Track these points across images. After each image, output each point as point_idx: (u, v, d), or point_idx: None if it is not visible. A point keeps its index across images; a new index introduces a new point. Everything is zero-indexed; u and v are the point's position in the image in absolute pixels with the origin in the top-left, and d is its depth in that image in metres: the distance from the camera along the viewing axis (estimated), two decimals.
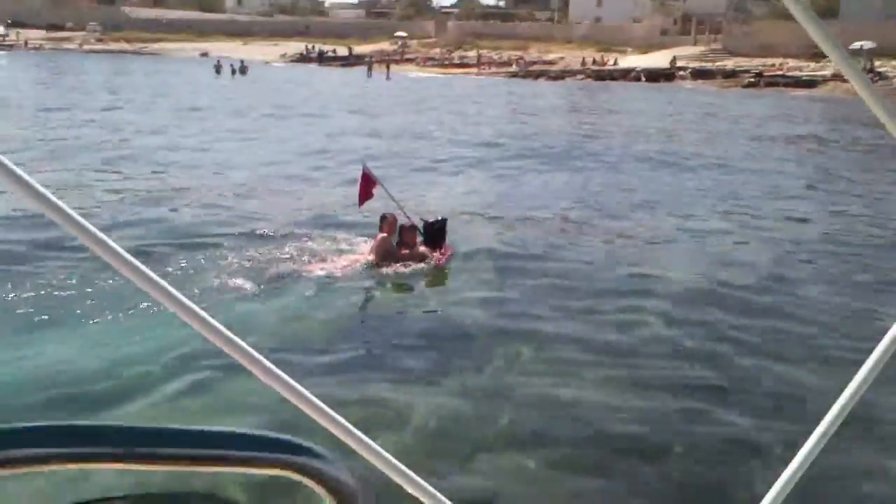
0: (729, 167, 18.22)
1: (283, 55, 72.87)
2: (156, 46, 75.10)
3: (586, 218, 12.27)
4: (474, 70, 62.98)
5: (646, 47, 70.83)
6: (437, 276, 8.69)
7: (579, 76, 57.53)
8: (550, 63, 64.62)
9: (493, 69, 63.19)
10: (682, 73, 55.22)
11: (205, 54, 68.61)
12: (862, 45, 52.77)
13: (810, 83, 49.54)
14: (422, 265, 8.69)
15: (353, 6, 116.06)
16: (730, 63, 56.63)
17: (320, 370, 6.09)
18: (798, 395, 6.00)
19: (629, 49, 71.10)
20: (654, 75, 54.88)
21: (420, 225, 9.28)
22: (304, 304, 7.59)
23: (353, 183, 10.88)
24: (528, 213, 12.30)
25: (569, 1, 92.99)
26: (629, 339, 7.11)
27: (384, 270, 8.50)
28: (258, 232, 10.03)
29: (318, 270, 8.40)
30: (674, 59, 57.69)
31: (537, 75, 58.01)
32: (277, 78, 48.43)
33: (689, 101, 39.91)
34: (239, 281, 8.01)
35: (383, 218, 8.99)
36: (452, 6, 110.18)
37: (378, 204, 9.76)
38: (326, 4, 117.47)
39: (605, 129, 26.18)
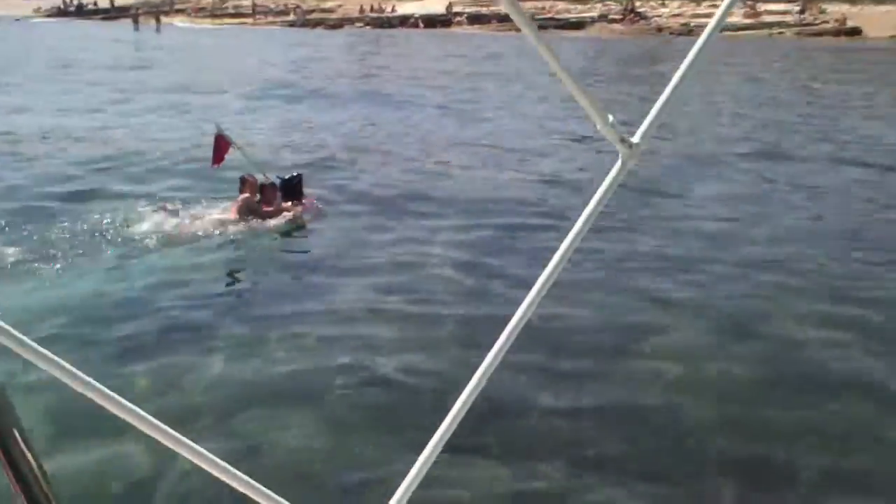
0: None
1: (38, 9, 66.33)
2: None
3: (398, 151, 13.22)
4: (250, 20, 60.60)
5: None
6: (298, 225, 9.17)
7: (358, 24, 56.83)
8: (329, 11, 63.43)
9: (270, 19, 61.11)
10: (458, 18, 55.99)
11: None
12: None
13: (579, 24, 51.74)
14: (283, 218, 9.09)
15: None
16: (502, 7, 58.06)
17: (191, 319, 6.40)
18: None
19: None
20: (431, 21, 55.28)
21: (278, 182, 9.55)
22: (174, 261, 7.82)
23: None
24: (350, 155, 12.90)
25: None
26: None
27: (248, 225, 8.85)
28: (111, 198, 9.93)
29: (186, 230, 8.64)
30: (450, 5, 58.37)
31: (315, 24, 56.69)
32: (32, 36, 43.97)
33: (467, 45, 40.58)
34: (112, 245, 8.13)
35: (243, 180, 9.21)
36: None
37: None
38: None
39: (394, 73, 26.06)
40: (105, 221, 8.70)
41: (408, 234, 8.84)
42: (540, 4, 58.13)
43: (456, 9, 57.95)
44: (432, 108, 18.64)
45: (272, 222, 8.99)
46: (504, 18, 53.89)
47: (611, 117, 0.70)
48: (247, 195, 9.04)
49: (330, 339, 6.04)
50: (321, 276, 7.56)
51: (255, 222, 8.91)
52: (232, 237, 8.59)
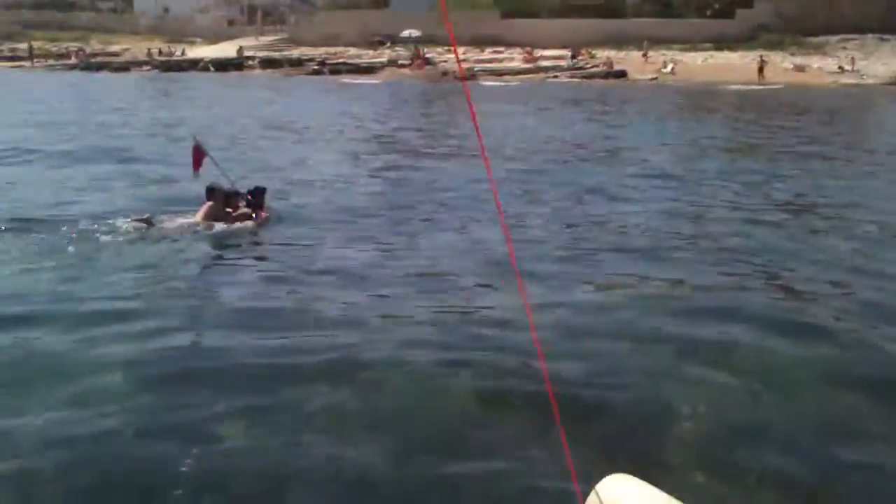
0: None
1: None
2: None
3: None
4: (27, 63, 57.54)
5: (214, 38, 70.42)
6: (258, 231, 10.08)
7: (146, 67, 55.27)
8: (114, 55, 61.41)
9: (50, 62, 58.30)
10: (250, 62, 55.80)
11: None
12: (410, 33, 57.86)
13: (370, 69, 52.98)
14: (246, 224, 10.04)
15: None
16: (296, 52, 58.54)
17: (153, 315, 6.91)
18: None
19: (198, 40, 70.17)
20: (223, 65, 54.73)
21: (244, 192, 10.53)
22: (141, 258, 8.65)
23: None
24: None
25: None
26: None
27: (212, 230, 9.77)
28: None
29: (155, 232, 9.58)
30: (241, 49, 58.08)
31: (99, 67, 54.61)
32: None
33: (259, 86, 40.62)
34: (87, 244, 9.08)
35: (210, 188, 10.12)
36: None
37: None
38: None
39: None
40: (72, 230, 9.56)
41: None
42: (332, 50, 59.14)
43: (247, 53, 57.75)
44: None
45: (236, 226, 9.92)
46: (295, 63, 54.45)
47: None
48: (211, 203, 9.97)
49: (270, 326, 6.70)
50: (274, 275, 8.35)
51: (220, 226, 9.84)
52: (197, 239, 9.54)
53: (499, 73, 50.61)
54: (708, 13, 61.76)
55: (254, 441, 4.86)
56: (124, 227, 9.67)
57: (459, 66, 49.37)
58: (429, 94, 38.14)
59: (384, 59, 55.72)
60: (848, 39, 57.06)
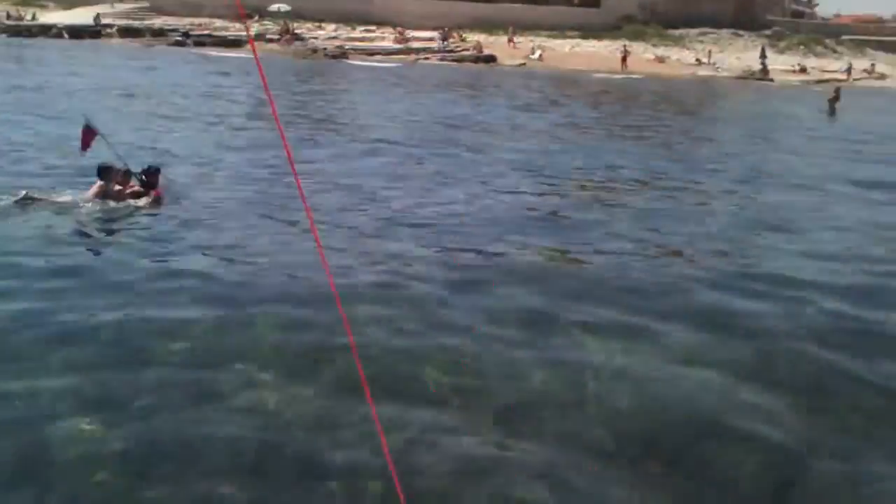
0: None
1: None
2: None
3: None
4: None
5: (69, 3, 66.54)
6: (148, 210, 10.04)
7: None
8: None
9: None
10: (108, 30, 53.04)
11: None
12: (279, 7, 56.55)
13: (237, 42, 51.37)
14: (135, 202, 10.06)
15: None
16: (158, 21, 56.07)
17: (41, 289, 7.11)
18: None
19: (52, 4, 66.10)
20: (77, 32, 51.74)
21: (137, 171, 10.44)
22: (31, 233, 8.78)
23: None
24: None
25: None
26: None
27: (102, 207, 9.79)
28: None
29: (44, 209, 9.54)
30: (98, 16, 55.06)
31: None
32: None
33: (118, 55, 38.64)
34: None
35: (102, 167, 10.08)
36: None
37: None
38: None
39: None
40: None
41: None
42: (198, 21, 57.01)
43: (105, 20, 54.88)
44: None
45: (125, 204, 9.97)
46: (157, 32, 52.22)
47: None
48: (102, 183, 9.97)
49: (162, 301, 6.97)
50: (162, 249, 8.61)
51: (111, 204, 9.87)
52: (87, 215, 9.60)
53: (370, 53, 50.16)
54: (575, 1, 63.27)
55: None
56: (2, 204, 9.57)
57: None
58: (300, 71, 37.33)
59: (252, 33, 54.13)
60: (706, 33, 59.83)
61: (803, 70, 52.85)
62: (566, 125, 22.46)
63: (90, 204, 9.85)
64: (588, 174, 14.53)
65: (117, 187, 10.13)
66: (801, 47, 59.22)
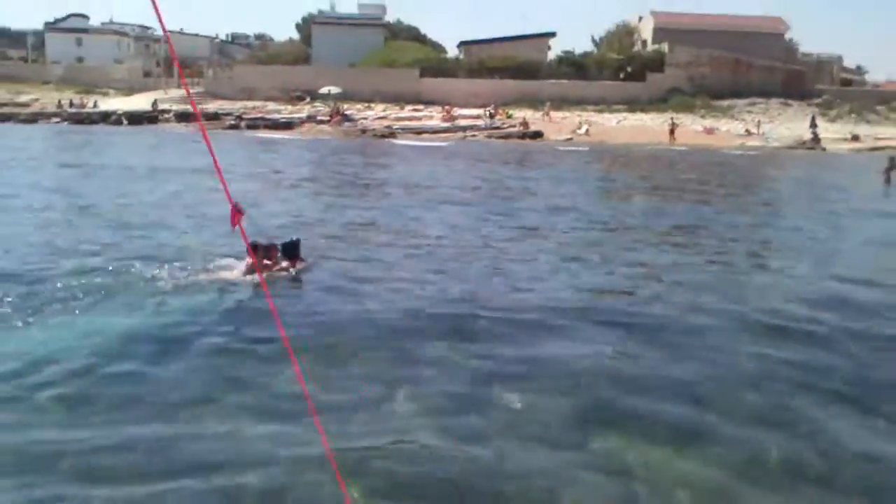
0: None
1: None
2: None
3: None
4: None
5: (128, 90, 69.13)
6: (294, 279, 11.23)
7: (55, 119, 53.76)
8: (23, 105, 59.57)
9: None
10: (165, 115, 54.78)
11: None
12: (329, 89, 57.92)
13: (288, 125, 52.58)
14: (283, 273, 11.23)
15: None
16: (213, 106, 57.69)
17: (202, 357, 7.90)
18: None
19: (112, 91, 68.71)
20: (136, 118, 53.59)
21: (279, 244, 11.60)
22: (189, 306, 9.56)
23: None
24: None
25: (45, 40, 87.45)
26: None
27: (253, 279, 10.70)
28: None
29: (203, 282, 10.67)
30: (155, 102, 57.03)
31: (5, 118, 52.82)
32: None
33: (175, 140, 39.69)
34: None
35: (252, 245, 10.64)
36: None
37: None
38: None
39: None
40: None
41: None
42: (250, 104, 58.62)
43: (162, 105, 56.73)
44: None
45: (274, 275, 11.07)
46: (212, 116, 53.66)
47: None
48: (251, 261, 10.75)
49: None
50: (312, 317, 9.38)
51: (258, 276, 10.74)
52: (240, 289, 10.49)
53: (418, 132, 50.84)
54: (621, 76, 63.74)
55: None
56: (168, 275, 10.78)
57: None
58: (348, 150, 37.83)
59: (303, 115, 55.44)
60: (754, 103, 59.64)
61: (856, 138, 52.16)
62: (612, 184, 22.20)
63: (248, 277, 10.82)
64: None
65: (266, 261, 11.20)
66: (853, 115, 58.63)
